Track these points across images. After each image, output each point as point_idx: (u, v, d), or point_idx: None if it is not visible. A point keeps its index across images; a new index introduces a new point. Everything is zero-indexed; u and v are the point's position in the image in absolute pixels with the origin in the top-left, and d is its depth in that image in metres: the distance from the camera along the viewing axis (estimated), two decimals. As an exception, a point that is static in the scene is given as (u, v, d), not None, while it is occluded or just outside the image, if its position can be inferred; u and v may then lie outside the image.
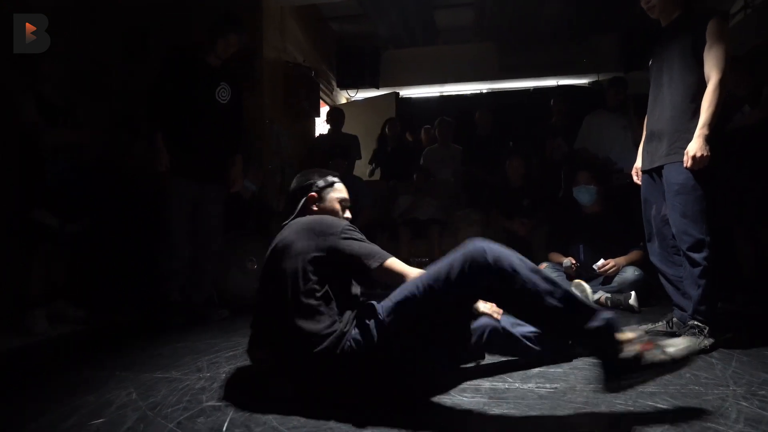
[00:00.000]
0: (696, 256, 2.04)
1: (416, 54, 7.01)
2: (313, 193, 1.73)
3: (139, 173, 3.58)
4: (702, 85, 2.06)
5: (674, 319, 2.28)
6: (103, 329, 2.84)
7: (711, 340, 2.01)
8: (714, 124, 2.00)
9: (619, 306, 3.00)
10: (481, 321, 1.71)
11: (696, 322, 2.06)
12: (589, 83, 6.83)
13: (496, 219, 4.18)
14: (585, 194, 3.44)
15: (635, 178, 2.48)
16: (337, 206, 1.75)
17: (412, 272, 1.47)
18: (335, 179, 1.79)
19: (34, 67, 2.91)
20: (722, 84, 2.00)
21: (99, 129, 3.53)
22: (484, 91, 7.30)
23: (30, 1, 3.02)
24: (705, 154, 1.98)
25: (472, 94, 7.32)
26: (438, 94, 7.47)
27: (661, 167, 2.21)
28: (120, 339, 2.52)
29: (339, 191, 1.78)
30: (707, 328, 2.03)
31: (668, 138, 2.16)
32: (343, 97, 7.26)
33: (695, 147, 1.99)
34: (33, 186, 2.82)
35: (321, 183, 1.75)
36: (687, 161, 2.01)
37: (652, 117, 2.30)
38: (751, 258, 3.26)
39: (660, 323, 2.34)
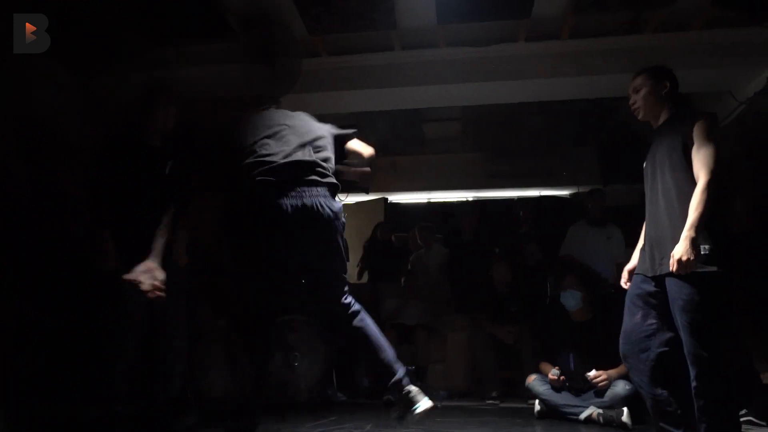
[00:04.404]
0: (707, 380, 1.88)
1: (404, 162, 7.28)
2: None
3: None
4: (695, 188, 1.97)
5: None
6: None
7: None
8: (703, 225, 1.89)
9: (612, 423, 2.87)
10: None
11: None
12: (569, 195, 7.10)
13: (483, 325, 4.12)
14: (571, 299, 3.41)
15: (623, 280, 2.34)
16: None
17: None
18: None
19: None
20: (712, 184, 1.91)
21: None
22: (470, 198, 7.53)
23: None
24: (691, 258, 1.86)
25: (458, 201, 7.55)
26: (425, 201, 7.69)
27: (663, 276, 2.05)
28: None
29: None
30: None
31: (667, 245, 2.01)
32: (333, 200, 7.38)
33: (681, 250, 1.88)
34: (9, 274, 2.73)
35: None
36: (672, 265, 1.90)
37: (650, 222, 2.20)
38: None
39: None
